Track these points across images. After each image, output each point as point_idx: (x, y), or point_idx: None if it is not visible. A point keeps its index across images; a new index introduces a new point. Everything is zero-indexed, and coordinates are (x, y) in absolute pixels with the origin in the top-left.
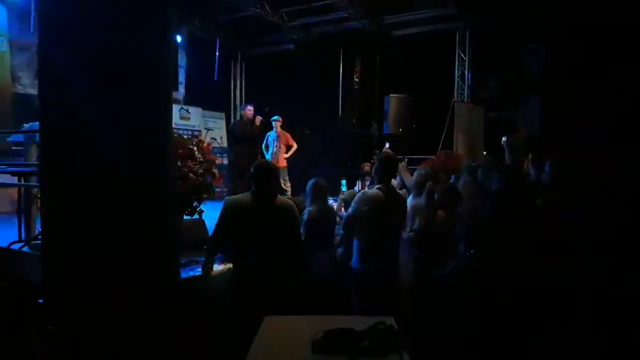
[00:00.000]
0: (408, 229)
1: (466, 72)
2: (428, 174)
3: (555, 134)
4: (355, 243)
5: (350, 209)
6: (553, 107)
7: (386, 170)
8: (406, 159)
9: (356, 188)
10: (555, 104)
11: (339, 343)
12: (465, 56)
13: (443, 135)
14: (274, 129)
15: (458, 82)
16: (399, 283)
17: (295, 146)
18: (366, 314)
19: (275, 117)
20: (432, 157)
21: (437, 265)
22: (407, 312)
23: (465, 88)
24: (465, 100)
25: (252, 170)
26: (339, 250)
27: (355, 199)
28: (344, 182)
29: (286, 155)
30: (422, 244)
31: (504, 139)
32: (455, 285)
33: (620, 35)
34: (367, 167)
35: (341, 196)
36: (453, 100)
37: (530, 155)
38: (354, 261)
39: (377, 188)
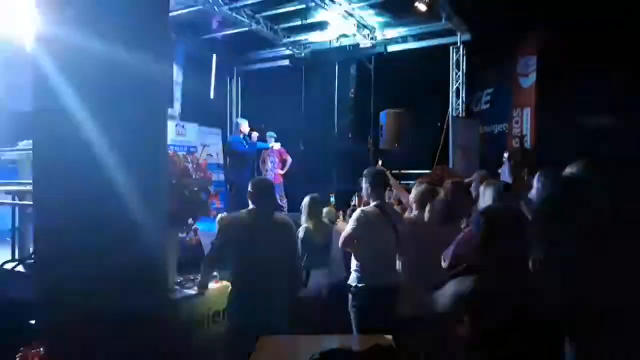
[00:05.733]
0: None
1: (461, 87)
2: (428, 189)
3: (549, 148)
4: (353, 261)
5: (348, 227)
6: (546, 120)
7: (378, 186)
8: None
9: (353, 203)
10: (549, 117)
11: None
12: (459, 71)
13: (439, 150)
14: (270, 144)
15: (453, 96)
16: (398, 301)
17: (289, 160)
18: (365, 332)
19: (270, 133)
20: (429, 172)
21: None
22: (406, 331)
23: (461, 103)
24: (461, 114)
25: (249, 187)
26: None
27: (354, 216)
28: (332, 198)
29: (282, 171)
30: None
31: (505, 155)
32: (452, 300)
33: (614, 47)
34: None
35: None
36: (448, 115)
37: (526, 170)
38: (353, 279)
39: (375, 205)
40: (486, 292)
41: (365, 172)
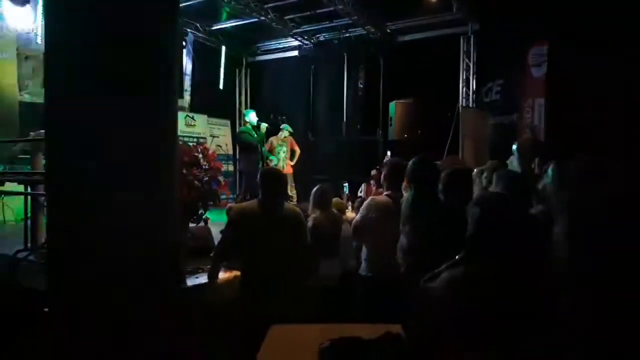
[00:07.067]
0: None
1: (471, 77)
2: None
3: (560, 138)
4: (363, 250)
5: (358, 216)
6: (557, 111)
7: (394, 177)
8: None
9: (360, 193)
10: (560, 107)
11: (346, 352)
12: (469, 61)
13: (449, 141)
14: (280, 135)
15: (463, 87)
16: (407, 290)
17: (298, 151)
18: (374, 321)
19: (285, 126)
20: (438, 162)
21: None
22: (414, 319)
23: (470, 93)
24: (471, 105)
25: (259, 177)
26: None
27: (364, 205)
28: (346, 186)
29: (292, 162)
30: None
31: (514, 147)
32: (445, 291)
33: (628, 36)
34: (377, 174)
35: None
36: (458, 105)
37: (536, 160)
38: (363, 268)
39: (386, 195)
40: (477, 278)
41: (385, 161)
